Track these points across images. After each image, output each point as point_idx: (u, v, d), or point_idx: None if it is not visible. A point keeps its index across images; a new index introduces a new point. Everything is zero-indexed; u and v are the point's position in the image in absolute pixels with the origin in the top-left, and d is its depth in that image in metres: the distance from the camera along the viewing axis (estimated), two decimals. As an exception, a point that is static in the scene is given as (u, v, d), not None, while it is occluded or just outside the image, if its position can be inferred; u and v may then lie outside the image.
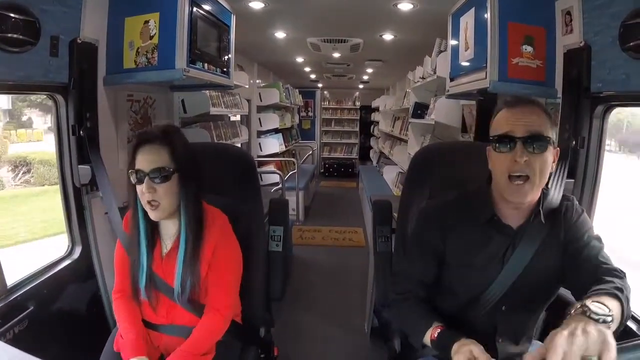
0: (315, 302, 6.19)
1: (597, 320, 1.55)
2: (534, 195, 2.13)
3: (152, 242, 2.56)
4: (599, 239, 2.17)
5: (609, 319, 1.56)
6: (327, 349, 4.92)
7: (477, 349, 1.87)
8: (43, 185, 8.61)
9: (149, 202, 2.37)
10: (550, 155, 2.10)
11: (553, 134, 2.11)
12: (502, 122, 2.12)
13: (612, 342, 1.45)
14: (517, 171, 2.04)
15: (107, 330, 2.98)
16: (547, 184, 2.39)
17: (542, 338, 2.77)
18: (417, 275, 2.37)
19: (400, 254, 2.88)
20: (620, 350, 1.31)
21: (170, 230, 2.58)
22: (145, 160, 2.36)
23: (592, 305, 1.60)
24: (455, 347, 1.94)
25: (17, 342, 2.59)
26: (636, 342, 1.35)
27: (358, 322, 5.41)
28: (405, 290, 2.37)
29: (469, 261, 2.25)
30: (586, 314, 1.57)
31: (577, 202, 2.30)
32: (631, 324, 2.59)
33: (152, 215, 2.42)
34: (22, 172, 8.63)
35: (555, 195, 2.33)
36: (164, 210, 2.41)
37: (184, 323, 2.57)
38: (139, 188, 2.38)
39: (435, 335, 2.08)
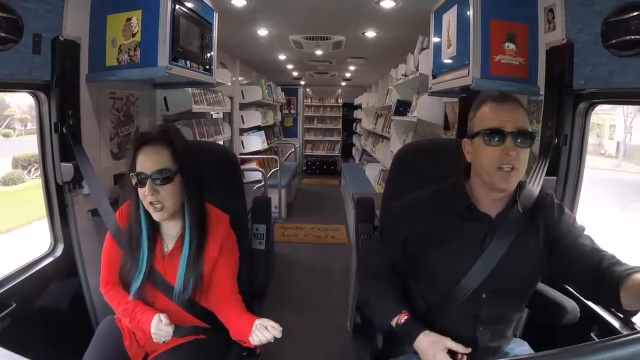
0: (298, 299, 6.20)
1: None
2: (516, 183, 2.24)
3: (155, 241, 2.56)
4: (584, 229, 2.28)
5: None
6: (309, 346, 4.92)
7: (450, 342, 2.01)
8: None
9: (151, 204, 2.37)
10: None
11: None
12: (490, 116, 2.21)
13: None
14: (507, 163, 2.13)
15: (89, 328, 2.98)
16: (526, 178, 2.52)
17: (525, 336, 2.81)
18: (388, 259, 2.49)
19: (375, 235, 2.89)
20: (603, 349, 1.33)
21: (172, 230, 2.58)
22: (147, 162, 2.36)
23: None
24: (424, 339, 2.10)
25: (-1, 339, 2.58)
26: (619, 339, 1.36)
27: (340, 319, 5.41)
28: (377, 267, 2.49)
29: (448, 249, 2.31)
30: None
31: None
32: (614, 322, 2.62)
33: (156, 217, 2.43)
34: (34, 168, 9.02)
35: (534, 188, 2.42)
36: (167, 211, 2.41)
37: (179, 322, 2.57)
38: (141, 191, 2.38)
39: (402, 321, 2.22)
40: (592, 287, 2.08)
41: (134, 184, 2.39)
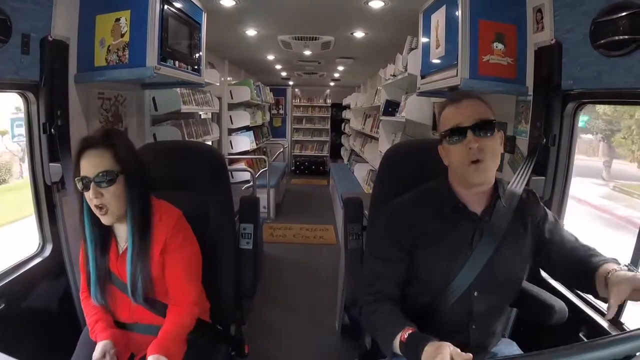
0: (286, 299, 6.20)
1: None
2: (492, 174, 2.26)
3: (107, 243, 2.55)
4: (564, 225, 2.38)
5: None
6: (298, 346, 4.93)
7: (453, 351, 1.83)
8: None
9: (97, 207, 2.35)
10: (498, 138, 2.25)
11: (494, 117, 2.25)
12: (450, 117, 2.25)
13: None
14: (473, 157, 2.15)
15: (78, 328, 2.97)
16: (515, 178, 2.59)
17: (513, 336, 2.81)
18: (391, 275, 2.36)
19: (369, 254, 2.73)
20: (591, 349, 1.33)
21: (122, 232, 2.55)
22: (89, 165, 2.33)
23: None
24: (428, 349, 1.83)
25: (-13, 340, 2.58)
26: (607, 339, 1.37)
27: (329, 319, 5.42)
28: (377, 291, 2.34)
29: (438, 250, 2.29)
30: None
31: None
32: (602, 322, 2.64)
33: (104, 220, 2.40)
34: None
35: (518, 185, 2.48)
36: (112, 213, 2.39)
37: (149, 322, 2.58)
38: (86, 194, 2.35)
39: (405, 337, 1.98)
40: (576, 280, 2.27)
41: (79, 188, 2.36)
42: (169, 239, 2.54)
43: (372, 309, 2.32)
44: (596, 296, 2.11)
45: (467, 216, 2.30)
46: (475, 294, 2.26)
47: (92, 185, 2.31)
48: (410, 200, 2.44)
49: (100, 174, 2.32)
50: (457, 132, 2.18)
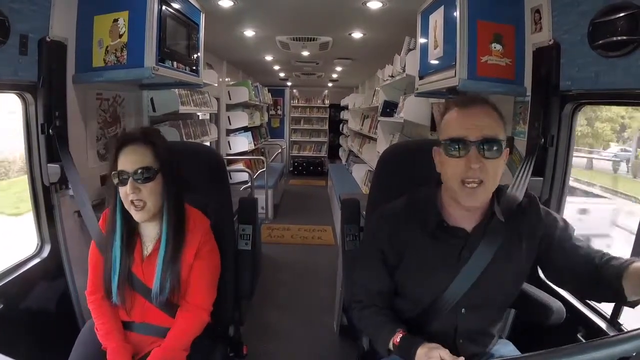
0: (285, 300, 6.20)
1: None
2: (486, 198, 2.12)
3: (132, 244, 2.54)
4: (574, 230, 2.19)
5: None
6: (296, 347, 4.93)
7: (445, 354, 1.85)
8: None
9: (132, 203, 2.37)
10: (503, 159, 2.08)
11: (504, 135, 2.07)
12: (454, 124, 2.08)
13: None
14: (471, 177, 2.00)
15: (76, 328, 2.97)
16: (513, 182, 2.50)
17: (512, 337, 2.79)
18: (373, 285, 2.34)
19: (359, 259, 2.63)
20: (589, 349, 1.33)
21: (151, 232, 2.57)
22: (129, 161, 2.36)
23: None
24: (420, 351, 1.92)
25: (-15, 340, 2.58)
26: (605, 339, 1.37)
27: (327, 320, 5.43)
28: (360, 299, 2.37)
29: (423, 265, 2.21)
30: None
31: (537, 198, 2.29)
32: (600, 323, 2.64)
33: (137, 217, 2.42)
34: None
35: (517, 193, 2.32)
36: (148, 211, 2.41)
37: (158, 323, 2.57)
38: (122, 190, 2.37)
39: (398, 340, 2.06)
40: (592, 286, 1.99)
41: (115, 183, 2.39)
42: (202, 247, 2.58)
43: (359, 316, 2.36)
44: (621, 302, 1.98)
45: (452, 234, 2.20)
46: (463, 310, 2.20)
47: (130, 180, 2.34)
48: (397, 210, 2.35)
49: (140, 170, 2.36)
50: (460, 144, 2.01)
